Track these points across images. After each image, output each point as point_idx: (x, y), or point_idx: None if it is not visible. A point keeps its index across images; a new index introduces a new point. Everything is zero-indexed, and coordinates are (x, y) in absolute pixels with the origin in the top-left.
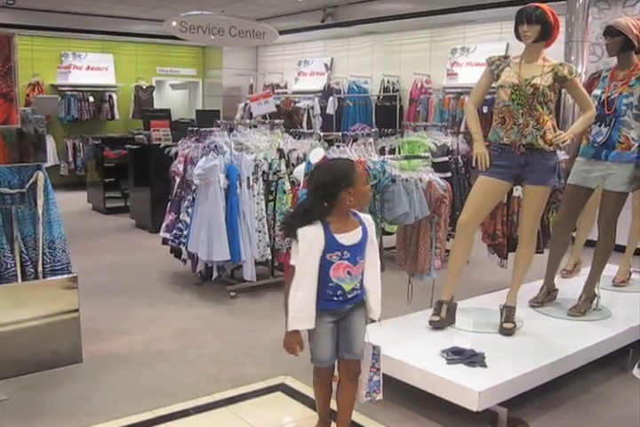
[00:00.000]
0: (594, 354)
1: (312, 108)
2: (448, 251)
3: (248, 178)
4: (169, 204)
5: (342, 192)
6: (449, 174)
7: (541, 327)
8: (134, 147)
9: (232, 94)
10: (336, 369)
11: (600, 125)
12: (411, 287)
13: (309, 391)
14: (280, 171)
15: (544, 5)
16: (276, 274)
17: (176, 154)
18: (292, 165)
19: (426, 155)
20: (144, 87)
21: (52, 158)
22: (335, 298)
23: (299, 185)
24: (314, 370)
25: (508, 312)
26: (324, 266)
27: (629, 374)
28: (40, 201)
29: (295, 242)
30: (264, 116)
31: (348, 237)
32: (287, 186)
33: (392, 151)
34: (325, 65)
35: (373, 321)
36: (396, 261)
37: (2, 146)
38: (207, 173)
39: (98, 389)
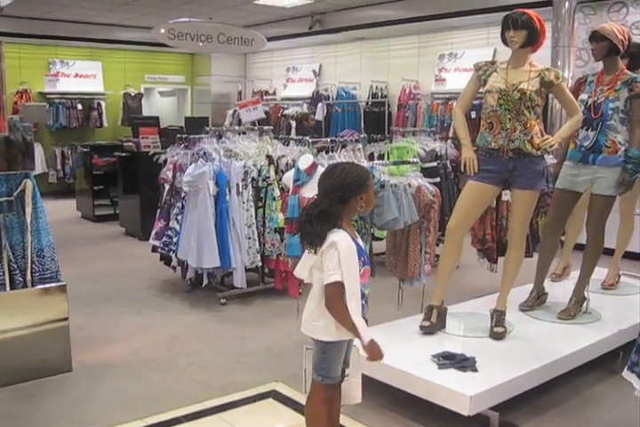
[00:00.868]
0: (584, 357)
1: None
2: (438, 256)
3: (237, 184)
4: (158, 211)
5: (356, 197)
6: (438, 179)
7: (532, 331)
8: (123, 154)
9: (221, 101)
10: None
11: (587, 130)
12: (401, 293)
13: (301, 398)
14: (269, 177)
15: (530, 11)
16: (266, 281)
17: (165, 161)
18: (282, 171)
19: (415, 160)
20: (133, 94)
21: (40, 166)
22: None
23: (288, 191)
24: (326, 387)
25: (498, 316)
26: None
27: (619, 377)
28: (28, 209)
29: (310, 252)
30: (253, 123)
31: (360, 242)
32: (276, 192)
33: (381, 157)
34: (314, 71)
35: None
36: (385, 266)
37: None
38: (196, 180)
39: (88, 398)
